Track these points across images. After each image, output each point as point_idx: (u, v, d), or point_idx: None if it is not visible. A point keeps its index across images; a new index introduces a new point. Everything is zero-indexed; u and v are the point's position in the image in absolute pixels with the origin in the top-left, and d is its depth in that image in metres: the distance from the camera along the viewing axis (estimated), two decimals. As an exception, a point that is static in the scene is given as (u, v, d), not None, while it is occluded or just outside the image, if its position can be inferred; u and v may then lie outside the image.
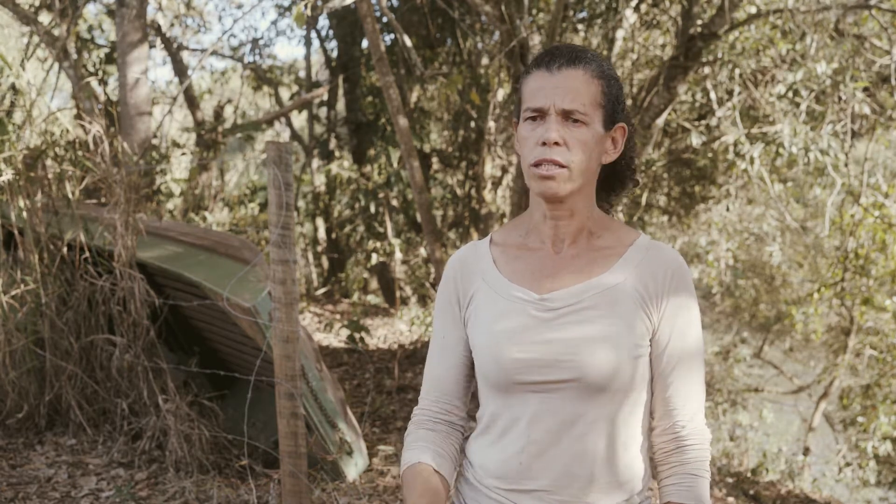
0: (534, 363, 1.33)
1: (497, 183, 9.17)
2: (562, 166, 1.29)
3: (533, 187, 1.34)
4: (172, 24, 10.17)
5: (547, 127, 1.30)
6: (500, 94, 8.06)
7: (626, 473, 1.37)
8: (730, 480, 5.91)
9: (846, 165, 6.14)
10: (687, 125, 6.79)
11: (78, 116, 6.45)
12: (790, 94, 5.86)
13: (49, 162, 4.17)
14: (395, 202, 8.93)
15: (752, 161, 5.76)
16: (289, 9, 9.97)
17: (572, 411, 1.33)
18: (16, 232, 4.08)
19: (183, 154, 7.80)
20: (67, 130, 4.37)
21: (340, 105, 10.43)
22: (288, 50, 50.80)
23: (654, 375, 1.38)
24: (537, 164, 1.30)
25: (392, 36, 8.35)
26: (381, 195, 8.55)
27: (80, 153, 4.20)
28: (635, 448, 1.38)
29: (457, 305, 1.45)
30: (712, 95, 6.37)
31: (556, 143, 1.29)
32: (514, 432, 1.37)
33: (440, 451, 1.43)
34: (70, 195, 4.16)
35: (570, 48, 1.34)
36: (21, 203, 4.03)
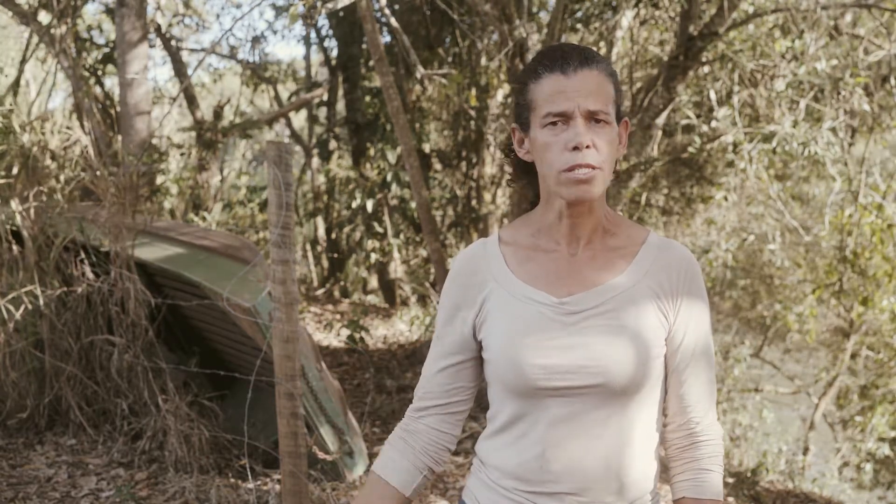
0: (556, 369, 1.32)
1: (497, 183, 9.16)
2: (595, 168, 1.29)
3: (564, 193, 1.30)
4: (171, 24, 10.16)
5: (576, 131, 1.28)
6: (500, 94, 8.05)
7: (643, 472, 1.37)
8: (730, 480, 5.90)
9: (845, 164, 6.14)
10: (689, 114, 6.78)
11: (77, 116, 6.44)
12: (790, 91, 5.85)
13: (45, 162, 4.16)
14: (394, 202, 8.92)
15: (750, 159, 5.76)
16: (286, 9, 9.96)
17: (593, 414, 1.32)
18: (10, 233, 4.07)
19: (182, 154, 7.79)
20: (68, 128, 4.35)
21: (340, 105, 10.42)
22: (287, 49, 50.78)
23: (667, 373, 1.39)
24: (570, 170, 1.28)
25: (392, 35, 8.35)
26: (378, 195, 8.54)
27: (76, 153, 4.19)
28: (650, 446, 1.38)
29: (463, 307, 1.41)
30: (712, 95, 6.37)
31: (588, 147, 1.28)
32: (532, 435, 1.35)
33: (399, 460, 1.45)
34: (66, 195, 4.15)
35: (575, 48, 1.33)
36: (15, 205, 4.02)
